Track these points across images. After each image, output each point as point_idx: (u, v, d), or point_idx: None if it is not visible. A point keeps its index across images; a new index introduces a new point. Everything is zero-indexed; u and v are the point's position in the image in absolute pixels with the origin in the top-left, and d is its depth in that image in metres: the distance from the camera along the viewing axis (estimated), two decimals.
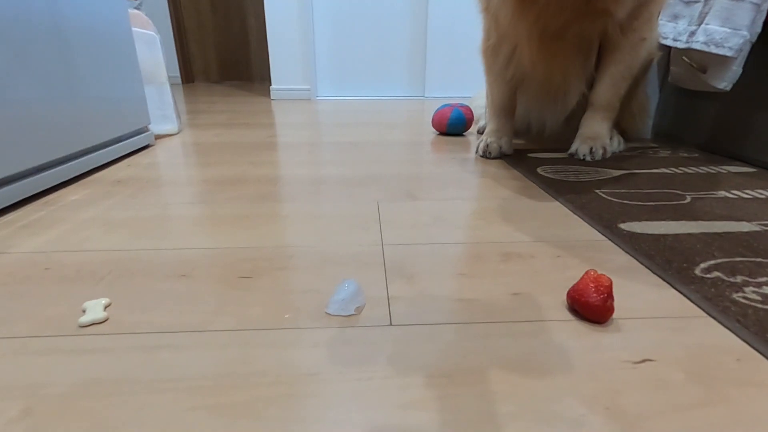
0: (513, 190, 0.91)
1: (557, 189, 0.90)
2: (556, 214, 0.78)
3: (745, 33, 0.92)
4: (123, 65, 1.18)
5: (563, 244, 0.65)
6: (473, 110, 1.55)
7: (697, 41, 1.00)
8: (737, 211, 0.78)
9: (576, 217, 0.77)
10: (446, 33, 2.52)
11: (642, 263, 0.60)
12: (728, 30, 0.93)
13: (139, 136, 1.26)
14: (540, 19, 0.91)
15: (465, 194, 0.88)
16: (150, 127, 1.38)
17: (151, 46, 1.39)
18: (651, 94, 1.39)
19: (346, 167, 1.09)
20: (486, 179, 0.99)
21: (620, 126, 1.31)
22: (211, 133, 1.54)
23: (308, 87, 2.58)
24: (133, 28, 1.32)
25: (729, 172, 1.03)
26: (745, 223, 0.72)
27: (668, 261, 0.59)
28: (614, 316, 0.47)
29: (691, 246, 0.64)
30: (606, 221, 0.73)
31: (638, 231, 0.69)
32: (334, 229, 0.71)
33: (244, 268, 0.58)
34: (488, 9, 1.03)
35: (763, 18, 0.94)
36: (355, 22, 2.53)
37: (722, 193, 0.87)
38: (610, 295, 0.45)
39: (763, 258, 0.60)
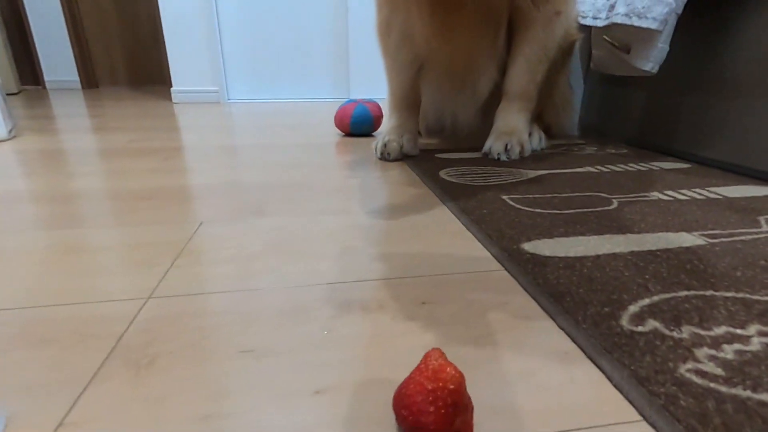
0: (400, 201, 0.69)
1: (455, 196, 0.69)
2: (445, 232, 0.56)
3: (671, 1, 0.77)
4: None
5: (437, 283, 0.43)
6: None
7: (617, 14, 0.83)
8: (674, 217, 0.60)
9: (469, 234, 0.56)
10: (370, 26, 2.32)
11: (545, 310, 0.39)
12: None
13: None
14: None
15: (333, 207, 0.65)
16: None
17: None
18: (575, 85, 1.24)
19: (198, 176, 0.83)
20: (372, 186, 0.76)
21: (543, 121, 1.14)
22: (56, 139, 1.23)
23: (216, 89, 2.28)
24: None
25: (661, 169, 0.87)
26: (684, 234, 0.54)
27: (584, 303, 0.39)
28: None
29: (617, 275, 0.44)
30: (506, 240, 0.52)
31: (546, 253, 0.49)
32: (87, 270, 0.45)
33: None
34: None
35: None
36: (269, 16, 2.28)
37: (655, 195, 0.70)
38: (457, 408, 0.23)
39: (714, 290, 0.41)
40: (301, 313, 0.38)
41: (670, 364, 0.31)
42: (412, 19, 0.83)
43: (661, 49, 0.84)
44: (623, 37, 0.88)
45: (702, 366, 0.31)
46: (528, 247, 0.50)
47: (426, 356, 0.25)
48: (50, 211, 0.64)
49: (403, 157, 0.98)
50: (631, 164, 0.90)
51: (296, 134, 1.34)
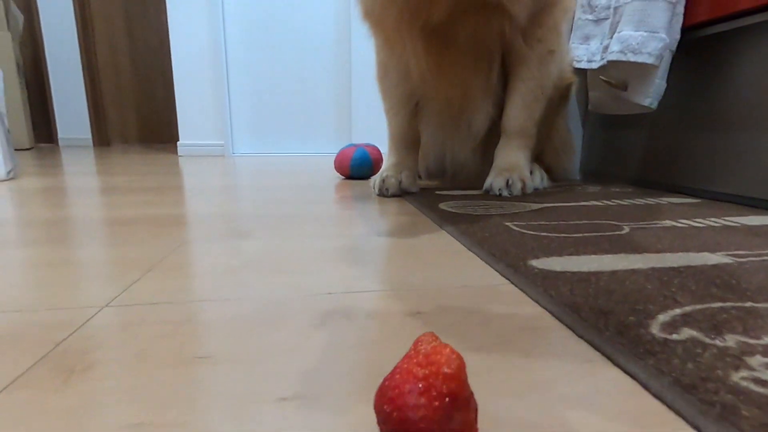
0: (395, 226, 0.65)
1: (454, 222, 0.65)
2: (443, 251, 0.52)
3: (664, 36, 0.78)
4: None
5: (434, 295, 0.38)
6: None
7: (612, 52, 0.85)
8: (692, 241, 0.55)
9: (471, 254, 0.51)
10: (372, 83, 2.42)
11: (559, 319, 0.34)
12: (644, 33, 0.79)
13: None
14: (414, 8, 0.72)
15: (325, 232, 0.61)
16: None
17: None
18: (574, 130, 1.25)
19: (188, 207, 0.80)
20: (368, 215, 0.73)
21: (543, 163, 1.12)
22: (55, 180, 1.22)
23: (222, 142, 2.33)
24: None
25: (670, 203, 0.83)
26: (707, 254, 0.49)
27: (604, 313, 0.33)
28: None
29: (639, 287, 0.39)
30: (511, 258, 0.47)
31: (557, 269, 0.44)
32: (47, 282, 0.40)
33: None
34: (368, 14, 0.85)
35: (681, 23, 0.81)
36: (275, 77, 2.39)
37: (668, 222, 0.66)
38: (456, 401, 0.18)
39: (754, 302, 0.36)
40: (274, 322, 0.33)
41: (719, 372, 0.25)
42: (407, 57, 0.84)
43: (658, 84, 0.84)
44: (620, 75, 0.89)
45: (759, 374, 0.25)
46: (536, 263, 0.46)
47: (417, 341, 0.20)
48: (29, 233, 0.60)
49: (402, 194, 0.95)
50: (638, 199, 0.87)
51: (295, 178, 1.33)
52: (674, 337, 0.29)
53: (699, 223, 0.66)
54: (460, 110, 0.93)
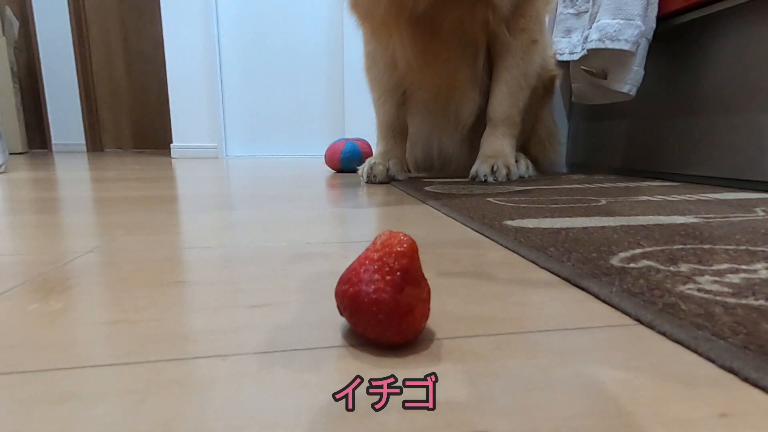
0: (381, 201, 0.67)
1: (437, 198, 0.67)
2: (424, 217, 0.53)
3: (639, 23, 0.81)
4: None
5: None
6: None
7: (591, 41, 0.88)
8: (665, 209, 0.57)
9: (449, 219, 0.53)
10: (364, 87, 2.45)
11: (524, 256, 0.35)
12: (621, 21, 0.82)
13: None
14: None
15: (308, 205, 0.63)
16: None
17: None
18: (559, 124, 1.28)
19: (177, 191, 0.82)
20: (354, 194, 0.74)
21: (530, 155, 1.14)
22: (45, 173, 1.23)
23: (215, 145, 2.35)
24: None
25: (649, 185, 0.85)
26: (677, 216, 0.51)
27: (568, 251, 0.35)
28: (437, 332, 0.21)
29: (606, 237, 0.40)
30: (487, 219, 0.49)
31: (530, 226, 0.45)
32: (43, 237, 0.41)
33: None
34: (356, 4, 0.87)
35: (656, 12, 0.84)
36: (269, 80, 2.42)
37: (644, 198, 0.68)
38: (408, 276, 0.19)
39: (713, 244, 0.37)
40: (252, 260, 0.34)
41: (668, 286, 0.27)
42: (394, 47, 0.87)
43: (636, 71, 0.87)
44: (600, 64, 0.91)
45: (705, 287, 0.26)
46: (511, 223, 0.47)
47: (376, 237, 0.21)
48: (21, 207, 0.61)
49: (389, 181, 0.97)
50: (618, 183, 0.89)
51: (286, 172, 1.35)
52: (631, 265, 0.31)
53: (674, 198, 0.68)
54: (447, 99, 0.95)
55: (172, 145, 2.31)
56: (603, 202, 0.63)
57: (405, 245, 0.19)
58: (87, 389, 0.17)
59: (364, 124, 2.50)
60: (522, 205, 0.60)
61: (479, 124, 1.02)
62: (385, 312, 0.18)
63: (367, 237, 0.42)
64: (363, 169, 0.98)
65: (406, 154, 1.11)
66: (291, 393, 0.16)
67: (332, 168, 1.30)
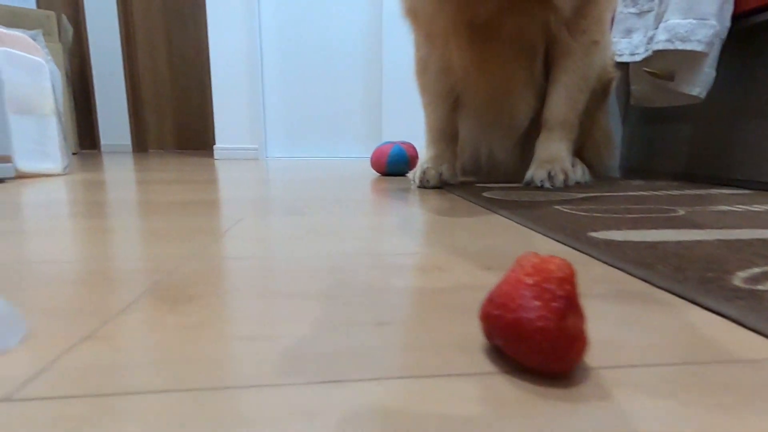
0: (443, 208, 0.66)
1: (503, 206, 0.65)
2: (497, 227, 0.52)
3: (714, 23, 0.77)
4: None
5: (498, 255, 0.39)
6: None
7: (658, 41, 0.84)
8: (755, 221, 0.54)
9: (525, 229, 0.51)
10: (402, 89, 2.45)
11: (632, 274, 0.34)
12: (693, 21, 0.78)
13: None
14: (464, 7, 0.73)
15: (368, 210, 0.63)
16: (18, 160, 1.12)
17: (36, 73, 1.18)
18: (613, 127, 1.23)
19: (232, 193, 0.83)
20: (408, 199, 0.74)
21: (584, 158, 1.11)
22: (105, 175, 1.28)
23: (256, 146, 2.40)
24: (11, 50, 1.12)
25: (722, 193, 0.81)
26: None
27: (680, 269, 0.33)
28: (590, 362, 0.20)
29: (709, 253, 0.38)
30: (569, 231, 0.48)
31: (618, 239, 0.44)
32: (130, 244, 0.43)
33: None
34: (411, 11, 0.87)
35: (731, 10, 0.80)
36: (308, 83, 2.45)
37: (724, 207, 0.64)
38: (570, 303, 0.18)
39: None
40: (352, 271, 0.34)
41: None
42: (450, 52, 0.86)
43: (707, 73, 0.83)
44: (667, 65, 0.88)
45: None
46: (596, 235, 0.46)
47: (518, 259, 0.21)
48: (101, 210, 0.64)
49: (441, 186, 0.96)
50: (687, 190, 0.85)
51: (329, 173, 1.36)
52: (759, 287, 0.29)
53: (757, 208, 0.64)
54: (501, 103, 0.93)
55: (215, 146, 2.37)
56: (681, 212, 0.60)
57: (565, 271, 0.19)
58: (256, 412, 0.17)
59: (401, 127, 2.50)
60: (595, 215, 0.58)
61: (530, 129, 1.00)
62: (549, 341, 0.18)
63: (450, 249, 0.42)
64: (415, 173, 0.98)
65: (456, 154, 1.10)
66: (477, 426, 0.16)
67: (378, 171, 1.31)
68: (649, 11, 0.94)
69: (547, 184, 0.90)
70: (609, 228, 0.49)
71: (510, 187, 0.91)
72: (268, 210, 0.64)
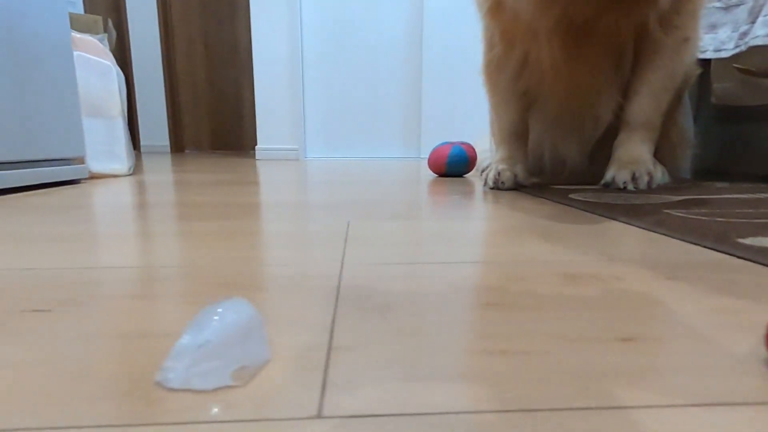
0: (542, 212, 0.64)
1: (609, 210, 0.63)
2: (623, 233, 0.50)
3: None
4: (52, 83, 0.98)
5: (657, 264, 0.37)
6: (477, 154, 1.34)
7: (756, 36, 0.80)
8: None
9: (657, 234, 0.49)
10: (441, 92, 2.43)
11: None
12: None
13: (62, 167, 1.01)
14: (570, 6, 0.71)
15: (474, 215, 0.61)
16: (89, 162, 1.15)
17: (104, 76, 1.21)
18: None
19: (310, 197, 0.83)
20: (500, 203, 0.72)
21: (659, 159, 1.07)
22: (167, 177, 1.31)
23: (296, 147, 2.42)
24: (83, 54, 1.15)
25: None
26: None
27: None
28: None
29: None
30: (712, 237, 0.45)
31: None
32: (279, 246, 0.43)
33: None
34: (493, 11, 0.85)
35: None
36: (348, 83, 2.46)
37: None
38: None
39: None
40: (519, 281, 0.33)
41: None
42: (538, 51, 0.83)
43: None
44: (763, 62, 0.83)
45: None
46: (743, 241, 0.43)
47: None
48: (201, 212, 0.64)
49: (516, 187, 0.94)
50: None
51: (378, 175, 1.35)
52: None
53: None
54: (580, 102, 0.91)
55: (256, 147, 2.39)
56: None
57: None
58: None
59: (439, 127, 2.48)
60: (717, 219, 0.55)
61: (609, 132, 0.97)
62: None
63: (606, 257, 0.40)
64: (488, 174, 0.96)
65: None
66: None
67: (436, 172, 1.29)
68: (738, 5, 0.89)
69: (631, 186, 0.86)
70: (751, 234, 0.46)
71: (591, 189, 0.88)
72: (372, 214, 0.64)
